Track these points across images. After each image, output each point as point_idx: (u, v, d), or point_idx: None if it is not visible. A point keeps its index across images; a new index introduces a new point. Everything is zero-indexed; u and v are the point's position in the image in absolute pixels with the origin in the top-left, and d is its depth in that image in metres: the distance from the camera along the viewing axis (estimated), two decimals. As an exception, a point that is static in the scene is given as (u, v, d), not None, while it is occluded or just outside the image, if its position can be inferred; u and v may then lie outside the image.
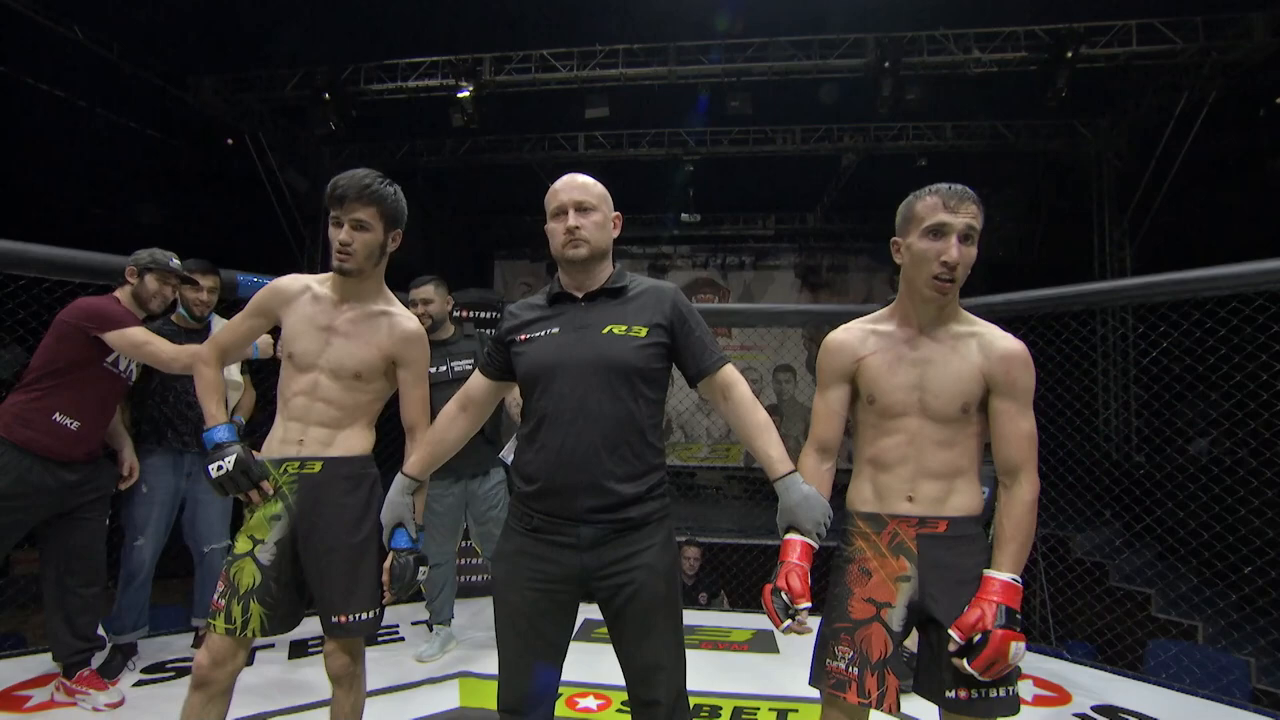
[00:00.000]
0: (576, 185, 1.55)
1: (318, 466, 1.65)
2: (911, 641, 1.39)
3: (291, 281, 1.74)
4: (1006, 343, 1.40)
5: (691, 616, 3.74)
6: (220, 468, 1.61)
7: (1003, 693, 1.31)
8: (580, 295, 1.55)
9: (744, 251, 10.51)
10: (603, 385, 1.46)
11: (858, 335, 1.51)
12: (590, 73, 6.42)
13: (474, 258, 10.67)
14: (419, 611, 3.09)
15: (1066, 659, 2.92)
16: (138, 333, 2.21)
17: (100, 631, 2.35)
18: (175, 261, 2.38)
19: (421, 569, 1.65)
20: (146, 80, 6.38)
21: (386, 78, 6.75)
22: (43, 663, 2.41)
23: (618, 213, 1.61)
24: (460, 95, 6.47)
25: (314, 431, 1.67)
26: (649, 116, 7.54)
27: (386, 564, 1.62)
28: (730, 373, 1.54)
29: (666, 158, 8.09)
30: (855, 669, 1.36)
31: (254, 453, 1.68)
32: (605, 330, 1.49)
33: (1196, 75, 5.93)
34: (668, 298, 1.56)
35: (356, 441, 1.71)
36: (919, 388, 1.41)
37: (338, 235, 1.63)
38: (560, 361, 1.48)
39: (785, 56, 6.26)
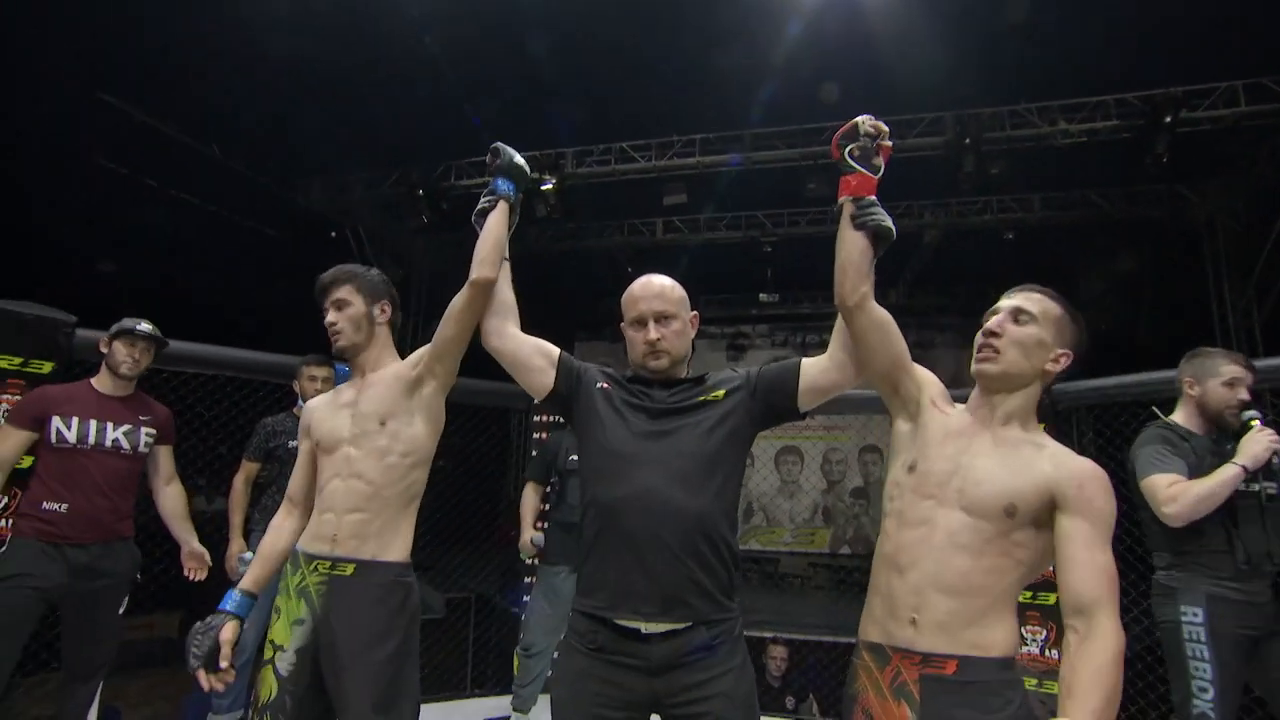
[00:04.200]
0: (655, 293, 1.52)
1: (350, 569, 1.57)
2: None
3: (317, 400, 1.83)
4: (1083, 463, 1.19)
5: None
6: (199, 644, 1.51)
7: None
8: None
9: (824, 330, 10.26)
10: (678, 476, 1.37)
11: (943, 392, 1.42)
12: (668, 162, 6.65)
13: (555, 340, 10.92)
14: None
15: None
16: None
17: None
18: (142, 326, 2.43)
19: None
20: (264, 185, 7.07)
21: (475, 173, 7.21)
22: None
23: (695, 311, 1.59)
24: (544, 188, 6.81)
25: (348, 522, 1.59)
26: (727, 200, 7.68)
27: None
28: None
29: (744, 240, 8.17)
30: None
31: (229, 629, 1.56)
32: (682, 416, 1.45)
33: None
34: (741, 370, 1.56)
35: (393, 542, 1.62)
36: (958, 472, 1.22)
37: (326, 321, 1.73)
38: (636, 452, 1.40)
39: (861, 137, 6.27)
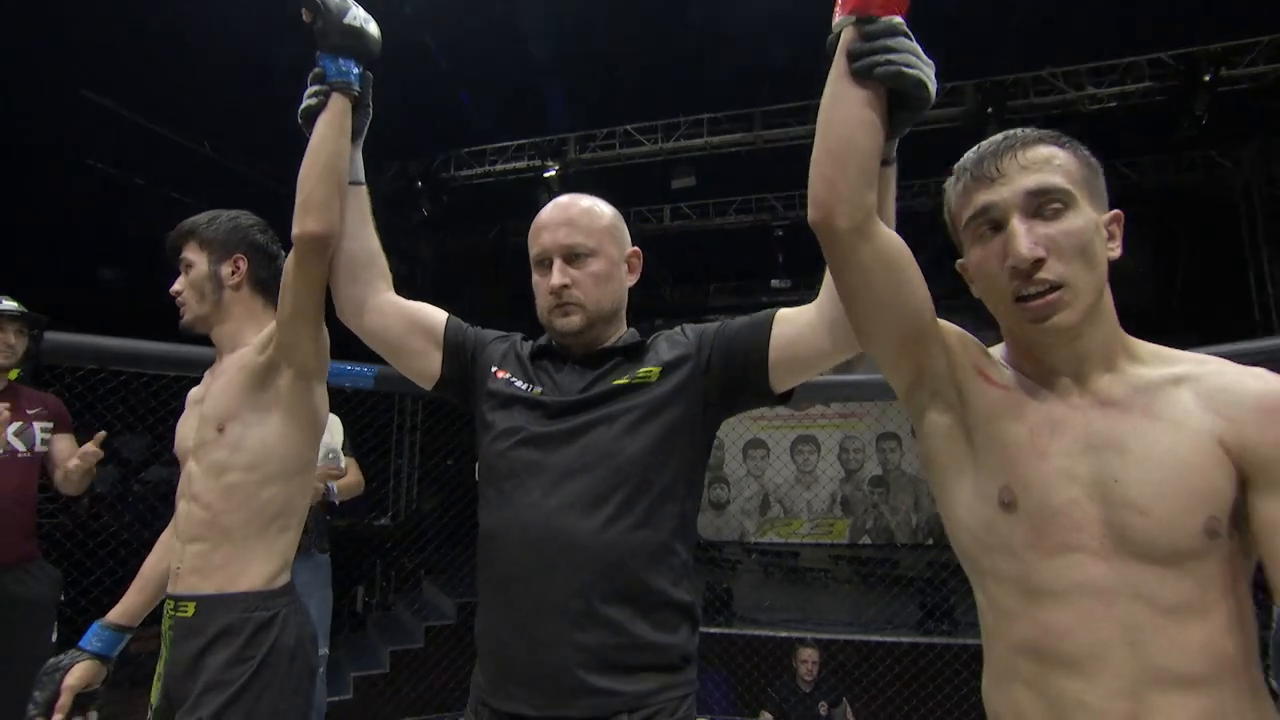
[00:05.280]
0: (567, 219, 1.09)
1: (190, 609, 1.21)
2: None
3: (195, 390, 1.48)
4: (1266, 384, 0.73)
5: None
6: (41, 688, 1.23)
7: None
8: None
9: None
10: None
11: (984, 350, 0.89)
12: (675, 144, 6.40)
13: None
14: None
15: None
16: None
17: None
18: (6, 304, 2.18)
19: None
20: (261, 181, 6.88)
21: (475, 163, 7.00)
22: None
23: (634, 248, 1.16)
24: (546, 175, 6.60)
25: (190, 552, 1.24)
26: (736, 183, 7.43)
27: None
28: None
29: (755, 224, 7.92)
30: None
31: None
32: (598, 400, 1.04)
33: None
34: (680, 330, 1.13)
35: (246, 568, 1.22)
36: (1101, 497, 0.73)
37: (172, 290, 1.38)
38: (527, 463, 1.02)
39: (877, 110, 6.03)
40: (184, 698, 1.17)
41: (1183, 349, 0.82)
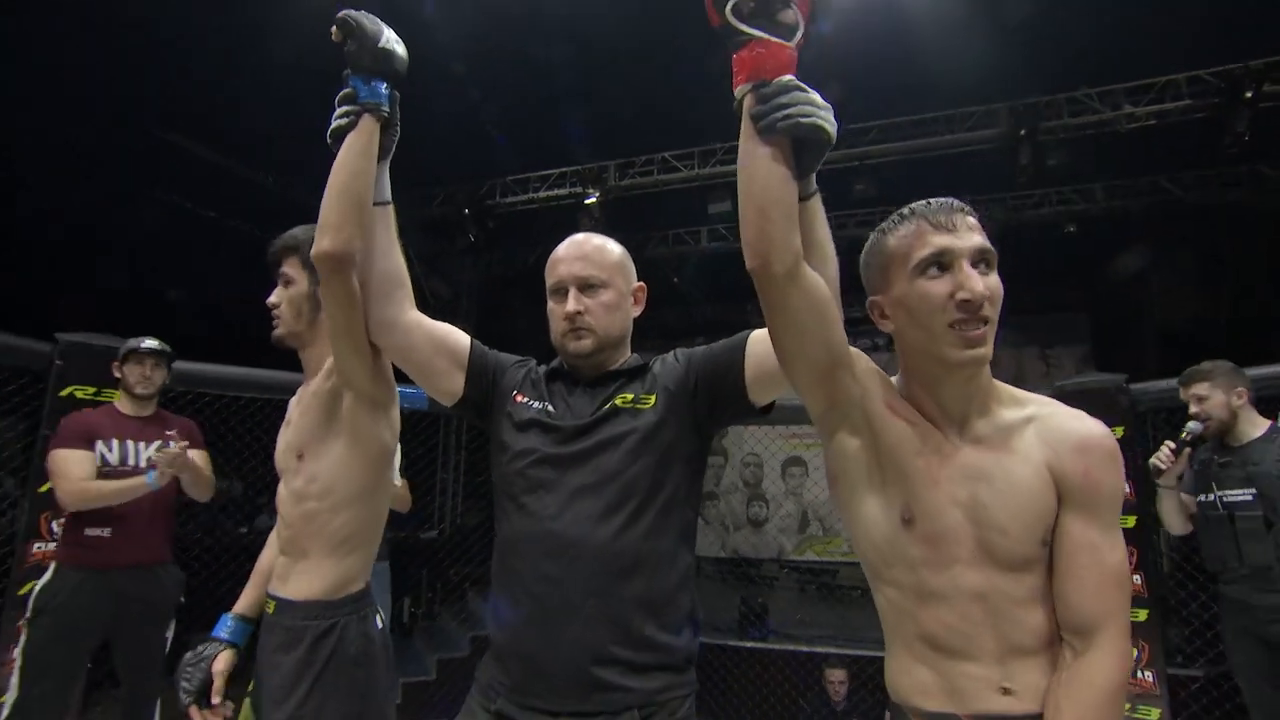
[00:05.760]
0: (580, 254, 1.21)
1: (272, 606, 1.34)
2: None
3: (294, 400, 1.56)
4: (1083, 426, 0.94)
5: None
6: (189, 677, 1.34)
7: None
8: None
9: (876, 334, 9.99)
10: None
11: (890, 384, 1.03)
12: (712, 170, 6.58)
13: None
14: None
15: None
16: (63, 457, 2.26)
17: None
18: (146, 343, 2.45)
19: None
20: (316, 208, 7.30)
21: (519, 190, 7.29)
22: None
23: (640, 283, 1.27)
24: (587, 202, 6.83)
25: (279, 559, 1.37)
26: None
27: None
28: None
29: (789, 243, 8.02)
30: None
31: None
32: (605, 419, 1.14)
33: None
34: (671, 357, 1.23)
35: (313, 579, 1.30)
36: (974, 519, 0.91)
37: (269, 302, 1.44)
38: (544, 479, 1.12)
39: (908, 136, 6.10)
40: (265, 683, 1.30)
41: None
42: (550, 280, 1.23)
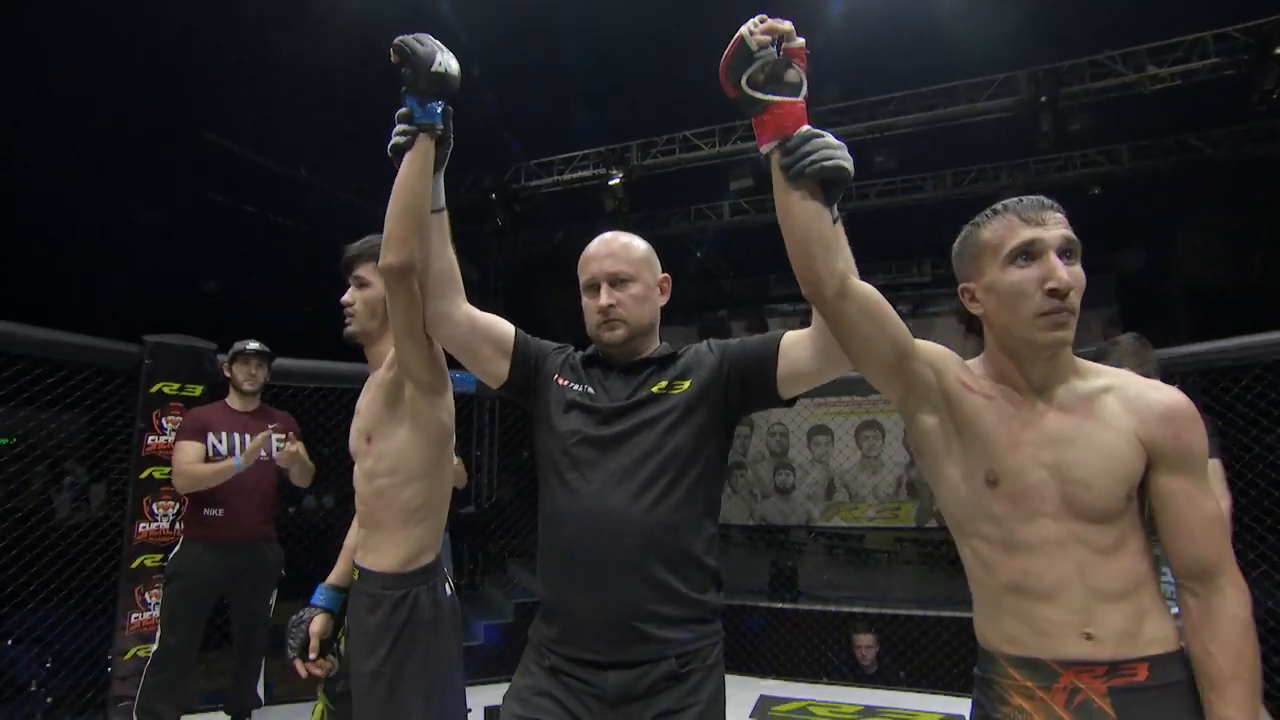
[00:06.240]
0: (610, 251, 1.32)
1: (357, 575, 1.52)
2: None
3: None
4: (1165, 395, 1.03)
5: (872, 695, 3.53)
6: (294, 636, 1.57)
7: None
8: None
9: (901, 301, 10.03)
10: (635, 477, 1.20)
11: (963, 364, 1.12)
12: (733, 147, 6.65)
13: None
14: None
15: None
16: (179, 448, 2.61)
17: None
18: (251, 345, 2.77)
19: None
20: (343, 196, 7.49)
21: (544, 174, 7.42)
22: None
23: (665, 274, 1.38)
24: (611, 183, 6.96)
25: (360, 533, 1.55)
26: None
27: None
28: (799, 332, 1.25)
29: (811, 216, 8.06)
30: None
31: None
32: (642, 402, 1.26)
33: None
34: (705, 347, 1.34)
35: (388, 552, 1.48)
36: (1059, 476, 1.00)
37: (344, 300, 1.57)
38: (586, 457, 1.24)
39: (929, 106, 6.11)
40: (353, 638, 1.48)
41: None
42: (583, 277, 1.33)
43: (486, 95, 5.94)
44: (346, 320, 1.56)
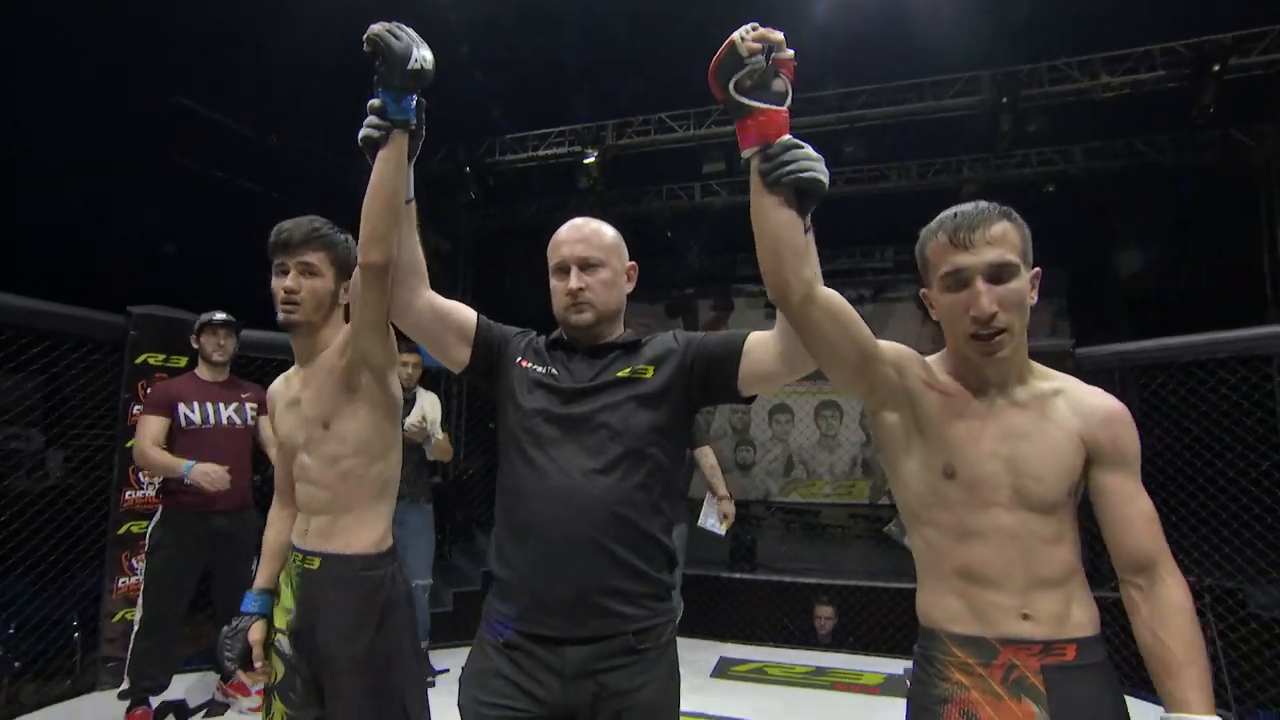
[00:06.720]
0: (580, 236, 1.34)
1: (316, 562, 1.48)
2: None
3: (276, 384, 1.66)
4: (1105, 401, 1.11)
5: (822, 658, 3.82)
6: (230, 649, 1.50)
7: None
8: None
9: (862, 285, 10.37)
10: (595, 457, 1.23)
11: (924, 363, 1.16)
12: (707, 130, 6.77)
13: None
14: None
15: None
16: (143, 421, 2.65)
17: None
18: (218, 316, 2.80)
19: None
20: (310, 162, 7.38)
21: (519, 149, 7.42)
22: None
23: (633, 262, 1.41)
24: (586, 161, 7.01)
25: (314, 523, 1.50)
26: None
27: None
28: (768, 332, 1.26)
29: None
30: None
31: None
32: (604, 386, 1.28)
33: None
34: (670, 335, 1.37)
35: (360, 534, 1.48)
36: (1012, 470, 1.07)
37: (281, 284, 1.47)
38: (548, 436, 1.25)
39: (896, 100, 6.31)
40: (321, 633, 1.44)
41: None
42: (553, 260, 1.35)
43: (466, 69, 5.92)
44: (288, 309, 1.47)
